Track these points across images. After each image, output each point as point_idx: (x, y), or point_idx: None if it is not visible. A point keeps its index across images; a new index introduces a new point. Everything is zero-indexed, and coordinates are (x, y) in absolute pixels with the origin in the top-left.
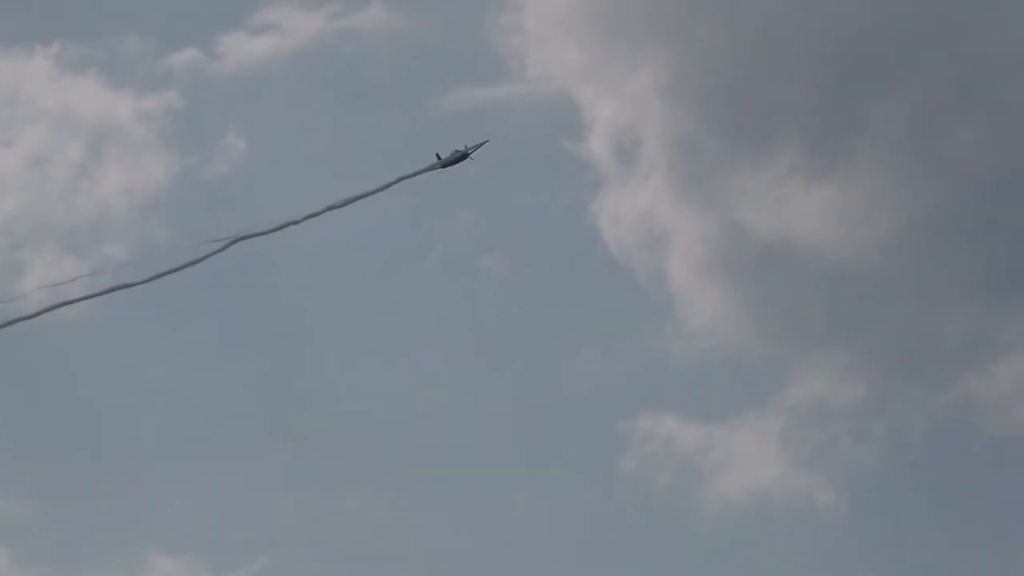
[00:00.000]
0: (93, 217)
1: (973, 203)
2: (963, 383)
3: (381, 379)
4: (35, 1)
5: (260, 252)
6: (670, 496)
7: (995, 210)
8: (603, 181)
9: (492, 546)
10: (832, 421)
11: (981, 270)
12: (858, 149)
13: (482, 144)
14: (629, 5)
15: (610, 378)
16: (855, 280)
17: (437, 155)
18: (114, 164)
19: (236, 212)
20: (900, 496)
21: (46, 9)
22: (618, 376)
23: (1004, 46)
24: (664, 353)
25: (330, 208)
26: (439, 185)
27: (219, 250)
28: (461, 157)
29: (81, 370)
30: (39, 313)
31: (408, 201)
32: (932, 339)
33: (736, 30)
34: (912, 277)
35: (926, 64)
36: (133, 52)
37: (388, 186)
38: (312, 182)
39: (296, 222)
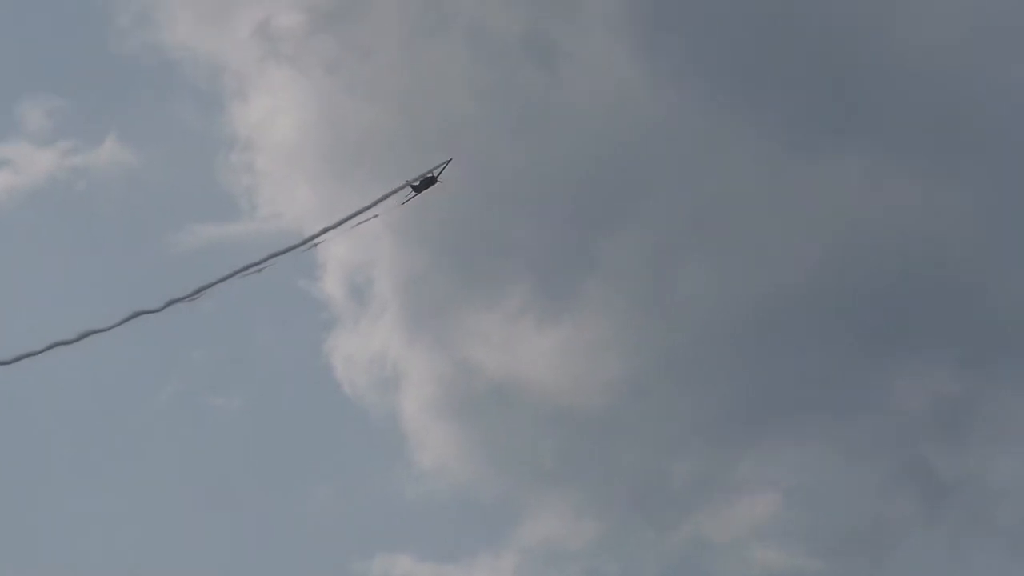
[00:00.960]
0: None
1: (703, 343)
2: (694, 524)
3: (110, 518)
4: None
5: None
6: None
7: (724, 351)
8: (336, 320)
9: None
10: (566, 561)
11: (711, 411)
12: (589, 289)
13: (447, 163)
14: (358, 146)
15: (344, 518)
16: (586, 420)
17: (407, 181)
18: None
19: None
20: None
21: None
22: (353, 516)
23: (732, 185)
24: (398, 492)
25: (56, 344)
26: (172, 323)
27: None
28: (430, 181)
29: None
30: None
31: (140, 339)
32: (663, 479)
33: (467, 167)
34: (642, 417)
35: (657, 203)
36: None
37: (121, 318)
38: (45, 318)
39: (7, 362)
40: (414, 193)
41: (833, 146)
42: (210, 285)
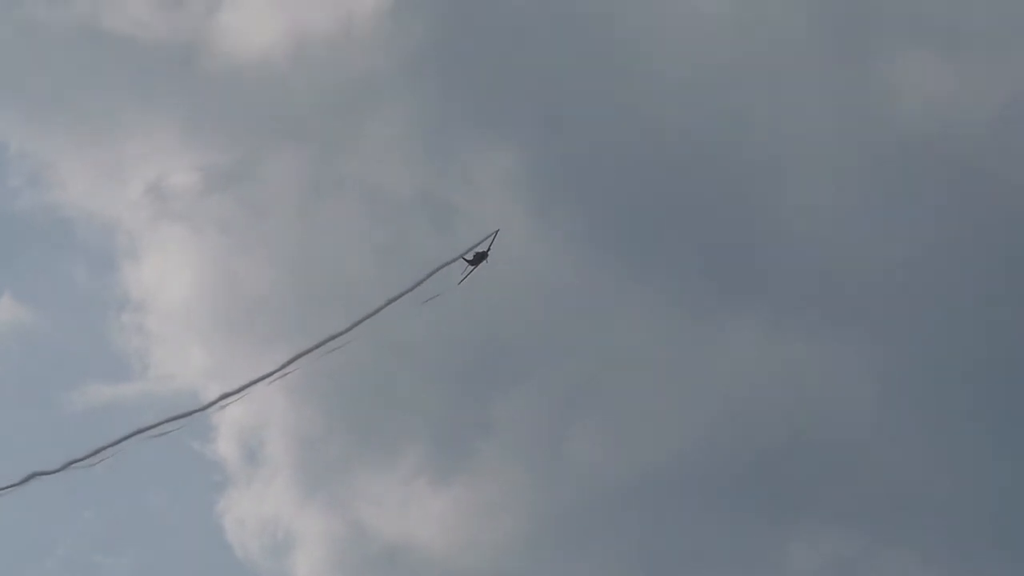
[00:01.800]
0: None
1: (597, 506)
2: None
3: None
4: None
5: None
6: None
7: (618, 514)
8: (229, 481)
9: None
10: None
11: (603, 571)
12: (484, 450)
13: (495, 234)
14: (252, 306)
15: None
16: None
17: (461, 255)
18: None
19: None
20: None
21: None
22: None
23: (627, 347)
24: None
25: None
26: (64, 485)
27: None
28: (481, 256)
29: None
30: None
31: (30, 501)
32: None
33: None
34: None
35: (552, 365)
36: None
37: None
38: None
39: None
40: (471, 267)
41: (727, 309)
42: (109, 446)
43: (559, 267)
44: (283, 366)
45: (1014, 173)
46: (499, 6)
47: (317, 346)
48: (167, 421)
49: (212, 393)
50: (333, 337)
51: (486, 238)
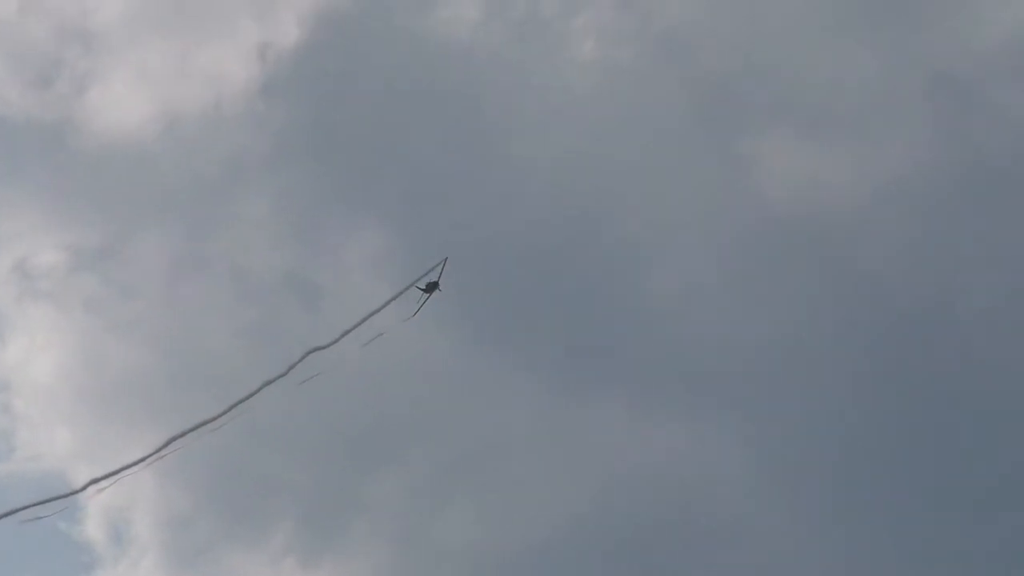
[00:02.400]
0: None
1: None
2: None
3: None
4: None
5: None
6: None
7: None
8: (97, 562)
9: None
10: None
11: None
12: (353, 529)
13: (444, 262)
14: (119, 386)
15: None
16: None
17: (413, 283)
18: None
19: None
20: None
21: None
22: None
23: (499, 428)
24: None
25: None
26: None
27: None
28: (433, 285)
29: None
30: None
31: None
32: None
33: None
34: None
35: (423, 446)
36: None
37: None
38: None
39: None
40: (425, 296)
41: (597, 390)
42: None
43: (430, 348)
44: (157, 450)
45: (879, 256)
46: (368, 87)
47: (191, 429)
48: (40, 504)
49: (80, 474)
50: (207, 421)
51: (435, 267)
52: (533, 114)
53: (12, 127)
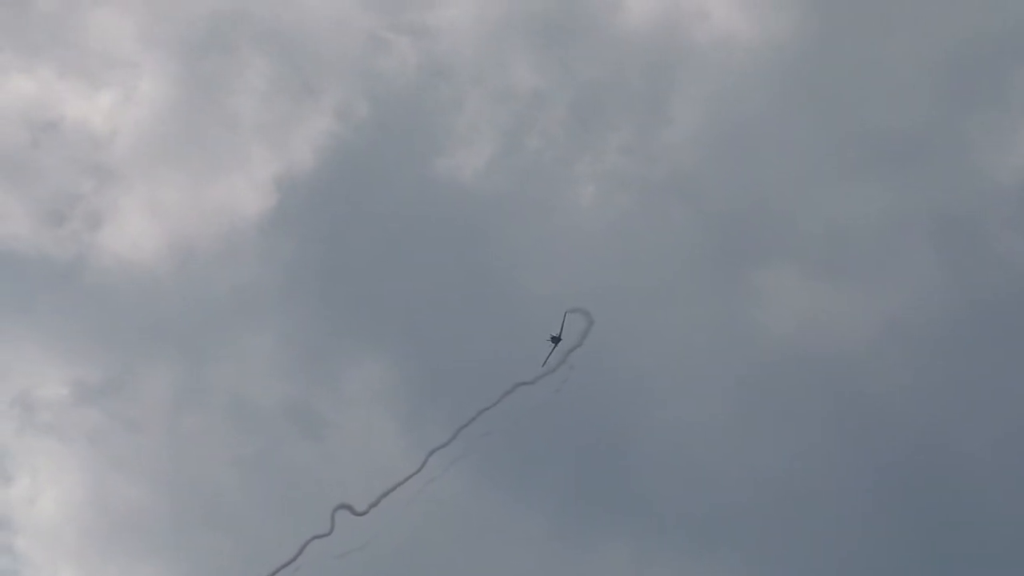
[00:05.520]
0: None
1: None
2: None
3: None
4: None
5: None
6: None
7: None
8: None
9: None
10: None
11: None
12: None
13: (564, 317)
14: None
15: None
16: None
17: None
18: None
19: None
20: None
21: None
22: None
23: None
24: None
25: None
26: None
27: None
28: (558, 339)
29: None
30: None
31: None
32: None
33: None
34: None
35: None
36: None
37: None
38: None
39: None
40: (552, 347)
41: (603, 531)
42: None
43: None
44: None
45: (884, 393)
46: (377, 222)
47: None
48: None
49: None
50: None
51: (561, 323)
52: (540, 249)
53: (23, 262)
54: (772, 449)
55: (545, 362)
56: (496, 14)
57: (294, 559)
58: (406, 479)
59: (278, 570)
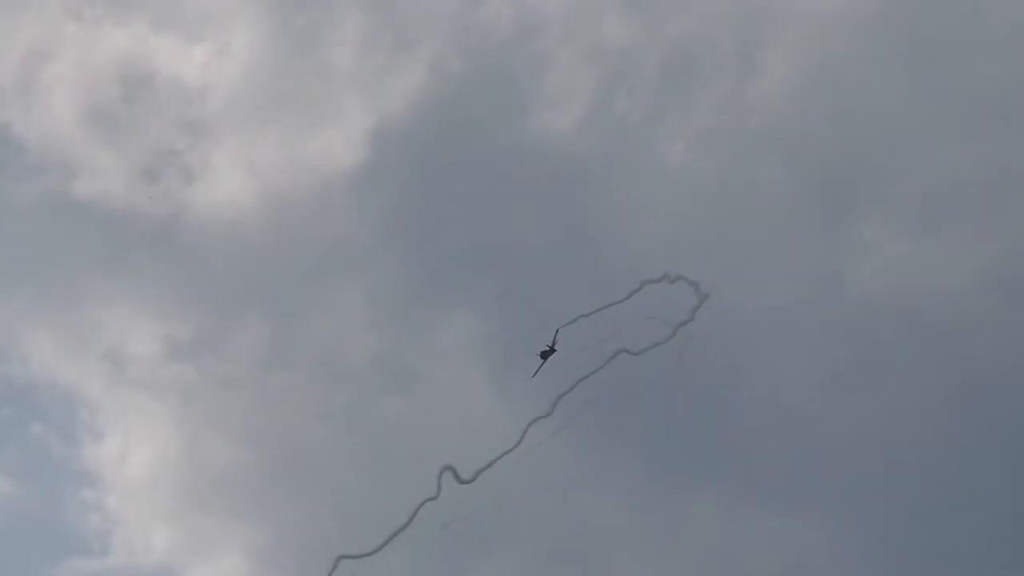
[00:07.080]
0: None
1: None
2: None
3: None
4: None
5: None
6: None
7: None
8: None
9: None
10: None
11: None
12: None
13: (556, 331)
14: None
15: None
16: None
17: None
18: None
19: None
20: None
21: None
22: None
23: (594, 517)
24: None
25: None
26: None
27: None
28: (549, 351)
29: None
30: None
31: None
32: None
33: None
34: None
35: (519, 537)
36: None
37: None
38: None
39: None
40: (542, 361)
41: (693, 480)
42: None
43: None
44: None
45: (996, 356)
46: (468, 177)
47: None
48: None
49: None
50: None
51: (554, 335)
52: (631, 200)
53: (117, 219)
54: (872, 407)
55: (535, 375)
56: None
57: (407, 524)
58: (506, 452)
59: (392, 536)
